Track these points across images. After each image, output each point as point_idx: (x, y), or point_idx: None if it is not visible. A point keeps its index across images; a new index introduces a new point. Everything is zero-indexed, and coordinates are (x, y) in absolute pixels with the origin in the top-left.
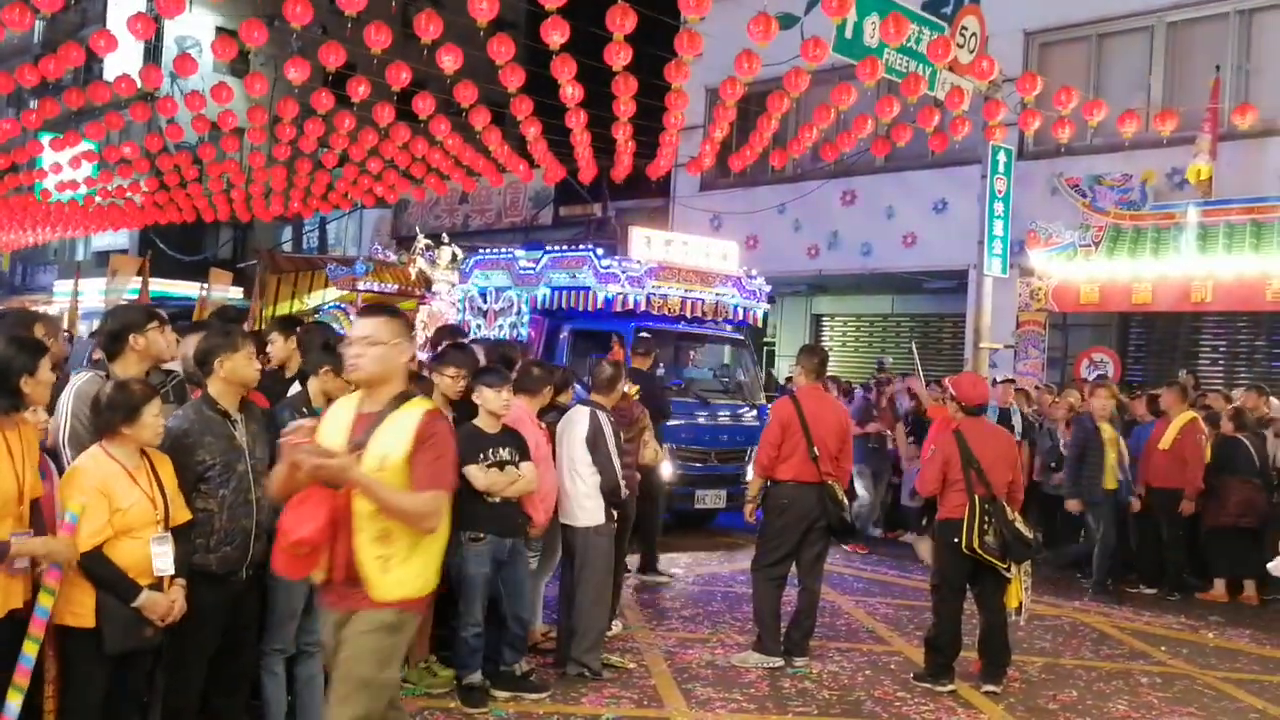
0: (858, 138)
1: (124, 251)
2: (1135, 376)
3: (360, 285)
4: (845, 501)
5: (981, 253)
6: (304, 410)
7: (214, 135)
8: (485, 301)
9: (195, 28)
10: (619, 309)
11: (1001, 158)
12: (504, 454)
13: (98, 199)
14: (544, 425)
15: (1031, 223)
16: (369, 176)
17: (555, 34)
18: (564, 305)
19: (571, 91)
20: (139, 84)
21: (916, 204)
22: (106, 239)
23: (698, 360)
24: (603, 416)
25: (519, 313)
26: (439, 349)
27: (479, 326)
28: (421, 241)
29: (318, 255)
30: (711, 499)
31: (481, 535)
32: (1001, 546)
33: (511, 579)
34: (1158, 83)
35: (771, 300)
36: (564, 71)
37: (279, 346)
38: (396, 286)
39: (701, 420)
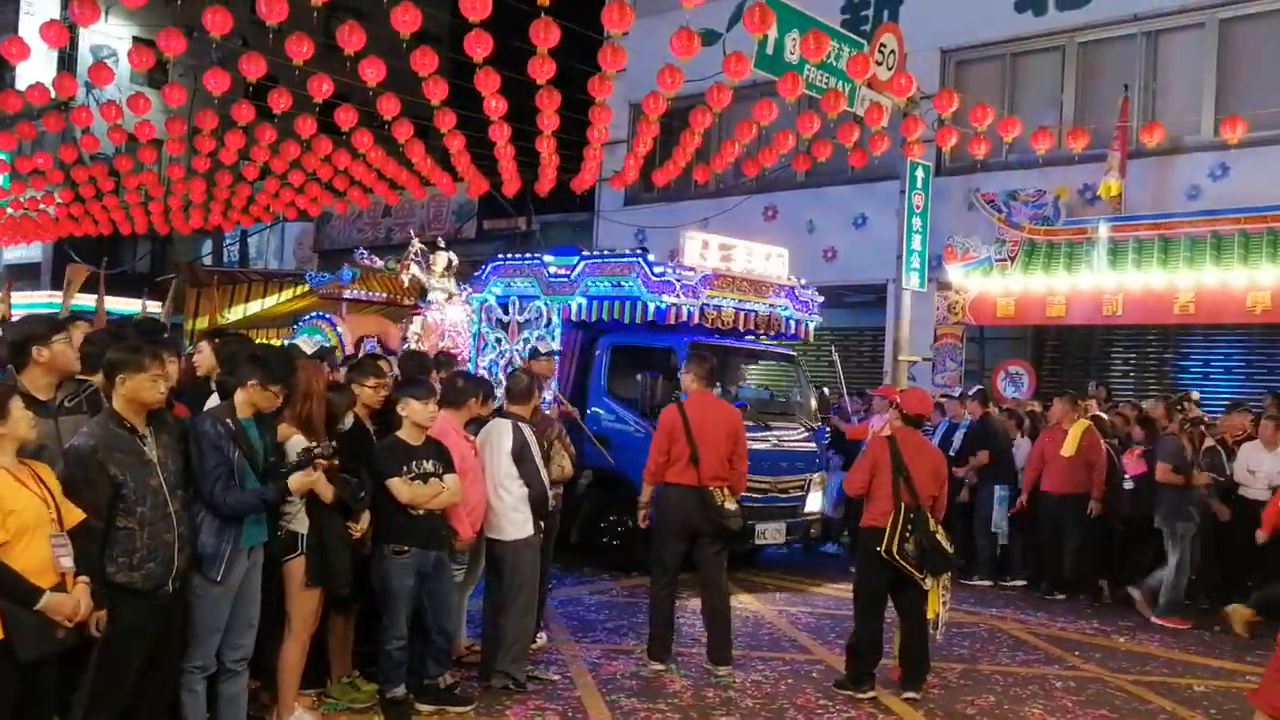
0: (779, 153)
1: (37, 265)
2: (1050, 388)
3: (346, 294)
4: (727, 507)
5: (900, 267)
6: (229, 422)
7: (131, 146)
8: (507, 312)
9: (111, 37)
10: (672, 321)
11: (919, 173)
12: (428, 466)
13: (9, 210)
14: (470, 437)
15: (949, 237)
16: (291, 189)
17: (479, 47)
18: (603, 317)
19: (495, 105)
20: (52, 93)
21: (837, 219)
22: (19, 252)
23: (752, 378)
24: (525, 428)
25: (549, 324)
26: (357, 360)
27: (499, 340)
28: (415, 246)
29: (239, 269)
30: (771, 533)
31: (405, 548)
32: (920, 556)
33: (436, 592)
34: (1069, 101)
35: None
36: (487, 85)
37: (205, 356)
38: (385, 295)
39: (763, 446)
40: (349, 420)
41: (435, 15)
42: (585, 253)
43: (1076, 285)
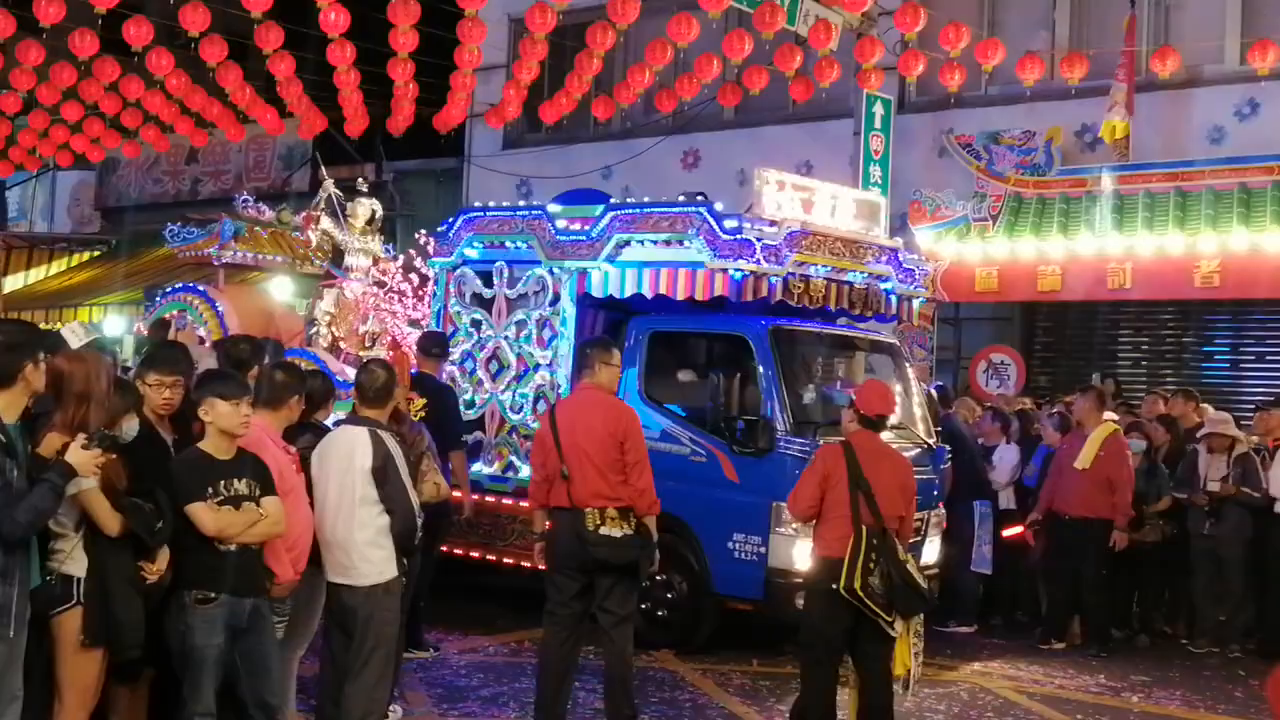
0: (701, 83)
1: None
2: (1043, 382)
3: (225, 256)
4: (601, 532)
5: None
6: None
7: None
8: (490, 284)
9: None
10: (749, 297)
11: (878, 110)
12: (240, 487)
13: None
14: (293, 449)
15: (915, 191)
16: (64, 127)
17: None
18: (641, 291)
19: (335, 18)
20: None
21: (775, 166)
22: None
23: (848, 376)
24: (388, 438)
25: (554, 302)
26: (145, 352)
27: (477, 322)
28: (329, 189)
29: None
30: None
31: (212, 595)
32: (888, 593)
33: (252, 651)
34: (1064, 20)
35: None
36: None
37: None
38: (282, 258)
39: None
40: (131, 427)
41: None
42: (613, 200)
43: (1074, 251)
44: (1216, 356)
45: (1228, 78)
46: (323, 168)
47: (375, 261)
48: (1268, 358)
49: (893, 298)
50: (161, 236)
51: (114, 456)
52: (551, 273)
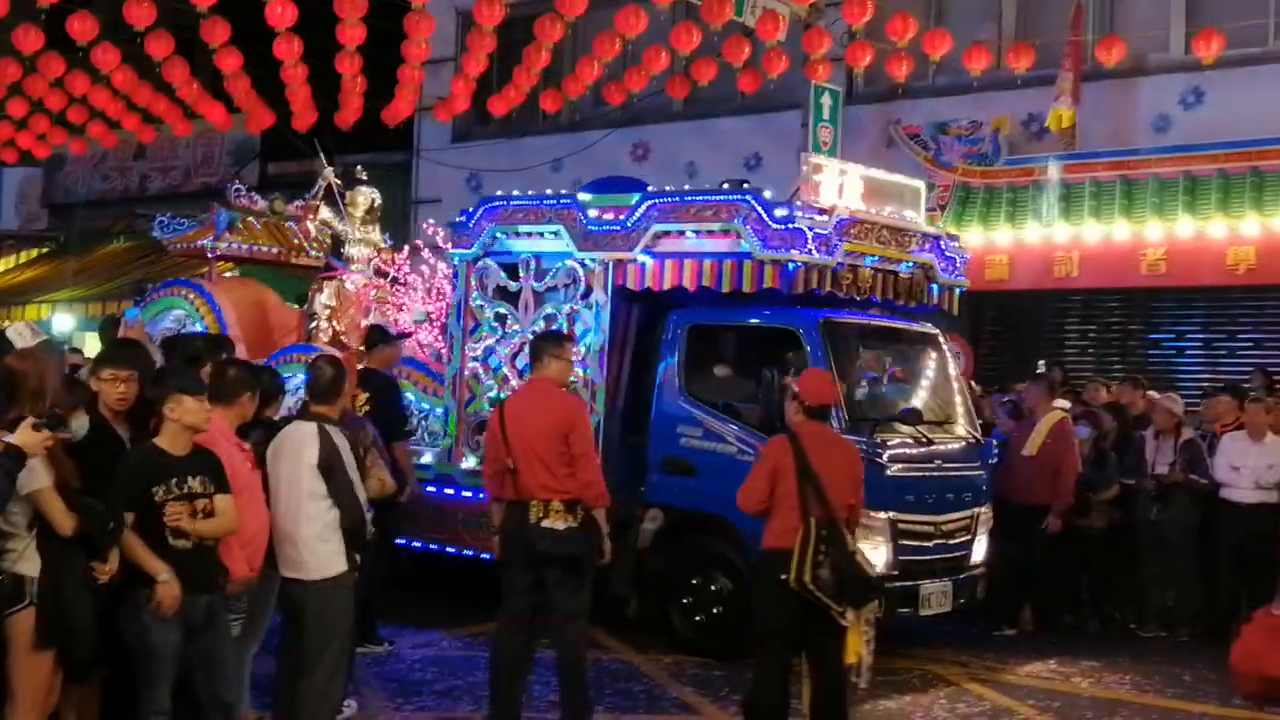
0: (650, 75)
1: None
2: (991, 369)
3: (221, 246)
4: (544, 525)
5: None
6: None
7: None
8: (514, 277)
9: None
10: (800, 289)
11: (826, 101)
12: (194, 484)
13: None
14: (246, 445)
15: None
16: (9, 123)
17: None
18: (681, 283)
19: (282, 11)
20: None
21: (724, 159)
22: None
23: (899, 369)
24: (335, 433)
25: (585, 295)
26: (101, 351)
27: (502, 317)
28: (327, 177)
29: None
30: (937, 597)
31: None
32: (838, 584)
33: (208, 649)
34: (1010, 9)
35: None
36: None
37: None
38: (277, 249)
39: (925, 472)
40: (81, 424)
41: None
42: (651, 188)
43: (1021, 240)
44: (1163, 344)
45: (1173, 67)
46: (321, 155)
47: (377, 252)
48: (1213, 344)
49: (935, 287)
50: (110, 233)
51: (65, 436)
52: (584, 265)
